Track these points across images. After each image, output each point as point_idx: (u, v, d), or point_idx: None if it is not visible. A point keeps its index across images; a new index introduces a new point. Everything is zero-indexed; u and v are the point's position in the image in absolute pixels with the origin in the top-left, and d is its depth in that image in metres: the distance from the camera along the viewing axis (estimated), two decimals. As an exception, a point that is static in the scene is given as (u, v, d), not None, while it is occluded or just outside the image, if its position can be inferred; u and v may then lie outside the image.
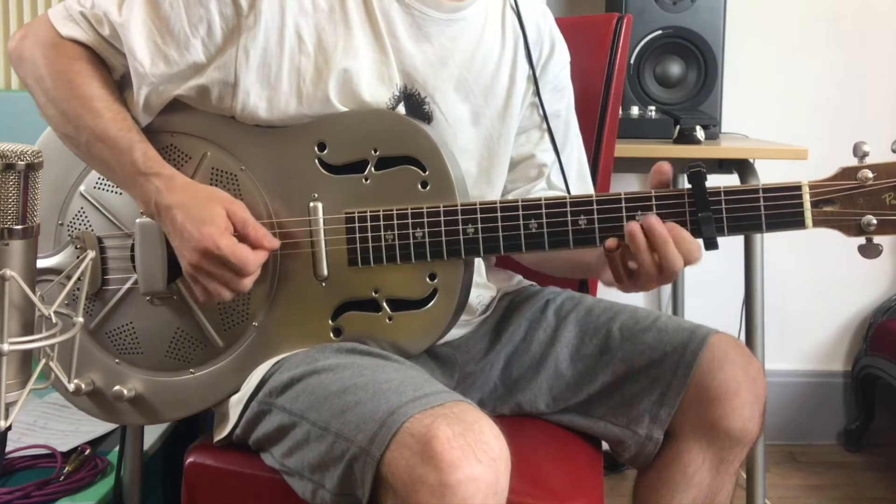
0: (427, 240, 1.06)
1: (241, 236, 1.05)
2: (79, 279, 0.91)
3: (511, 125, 1.24)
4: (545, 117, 1.27)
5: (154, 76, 1.09)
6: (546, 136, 1.28)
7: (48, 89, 1.11)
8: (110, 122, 1.09)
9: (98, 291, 1.17)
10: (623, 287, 1.07)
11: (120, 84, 1.14)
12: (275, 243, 1.08)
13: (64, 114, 1.11)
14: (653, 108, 1.95)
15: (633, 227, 1.00)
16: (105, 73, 1.13)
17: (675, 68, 2.01)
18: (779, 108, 2.36)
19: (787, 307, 2.41)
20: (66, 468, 1.41)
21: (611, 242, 1.03)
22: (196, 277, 1.06)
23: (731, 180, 1.77)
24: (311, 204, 1.10)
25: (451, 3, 1.14)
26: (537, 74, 1.25)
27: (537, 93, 1.26)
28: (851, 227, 0.99)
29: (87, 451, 1.47)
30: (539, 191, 1.29)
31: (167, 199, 1.06)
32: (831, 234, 1.01)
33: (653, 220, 1.00)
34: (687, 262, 1.01)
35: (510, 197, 1.28)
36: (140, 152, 1.08)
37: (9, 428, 0.79)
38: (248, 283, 1.06)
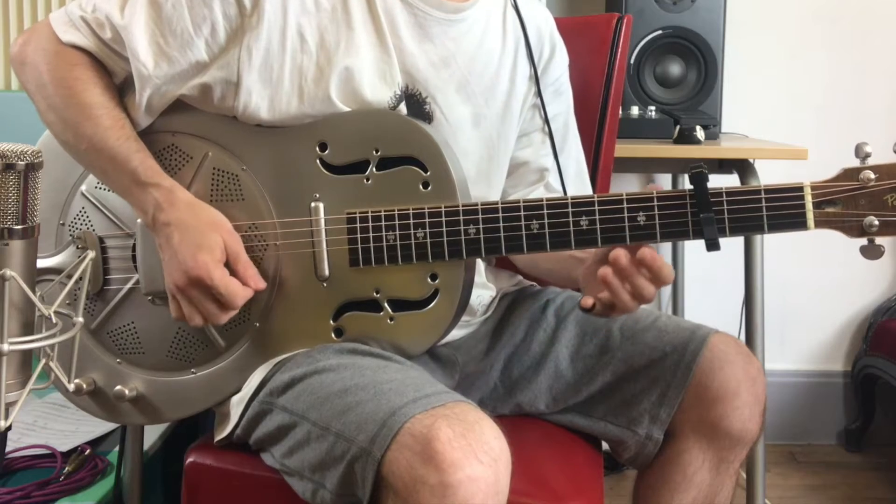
0: (428, 240, 1.06)
1: (231, 270, 1.05)
2: (79, 279, 0.91)
3: (511, 127, 1.24)
4: (546, 120, 1.27)
5: (157, 77, 1.08)
6: (547, 139, 1.28)
7: (49, 96, 1.11)
8: (109, 130, 1.09)
9: (99, 291, 1.17)
10: (601, 316, 1.10)
11: (121, 88, 1.14)
12: (260, 284, 1.08)
13: (64, 121, 1.11)
14: (653, 108, 1.95)
15: (606, 272, 1.02)
16: (106, 80, 1.13)
17: (675, 68, 2.01)
18: (779, 108, 2.36)
19: (787, 307, 2.41)
20: (66, 468, 1.41)
21: (586, 302, 1.06)
22: (176, 297, 1.06)
23: (731, 180, 1.77)
24: (313, 204, 1.10)
25: (453, 4, 1.15)
26: (539, 76, 1.25)
27: (539, 93, 1.26)
28: (853, 228, 0.99)
29: (87, 451, 1.47)
30: (538, 195, 1.29)
31: (167, 214, 1.06)
32: (832, 235, 1.01)
33: (618, 253, 1.01)
34: (659, 286, 1.03)
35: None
36: (138, 162, 1.08)
37: (9, 428, 0.80)
38: (227, 317, 1.06)
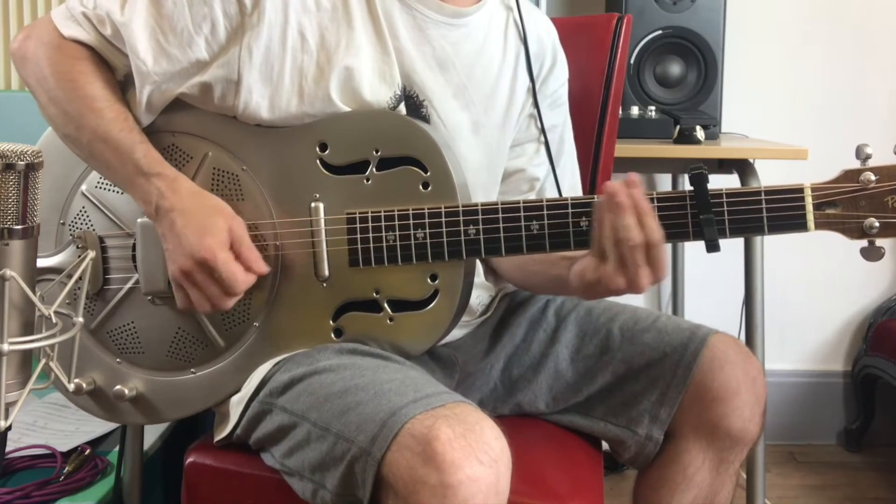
0: (428, 240, 1.06)
1: (235, 254, 1.05)
2: (79, 279, 0.91)
3: (508, 137, 1.24)
4: (542, 130, 1.27)
5: (157, 74, 1.09)
6: (541, 149, 1.28)
7: (50, 89, 1.11)
8: (112, 122, 1.09)
9: (99, 291, 1.17)
10: (596, 274, 1.02)
11: (122, 84, 1.14)
12: (264, 269, 1.08)
13: (66, 114, 1.11)
14: (653, 108, 1.95)
15: (600, 201, 0.99)
16: (107, 74, 1.13)
17: (675, 68, 2.01)
18: (779, 108, 2.36)
19: (787, 307, 2.41)
20: (66, 468, 1.41)
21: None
22: (181, 284, 1.06)
23: (731, 180, 1.78)
24: (313, 204, 1.10)
25: (453, 8, 1.14)
26: (537, 88, 1.25)
27: (536, 105, 1.25)
28: (854, 230, 0.99)
29: (87, 451, 1.47)
30: None
31: (170, 201, 1.05)
32: (832, 235, 1.01)
33: (618, 188, 0.98)
34: (649, 241, 0.98)
35: None
36: (142, 153, 1.08)
37: (9, 428, 0.79)
38: (231, 302, 1.06)
